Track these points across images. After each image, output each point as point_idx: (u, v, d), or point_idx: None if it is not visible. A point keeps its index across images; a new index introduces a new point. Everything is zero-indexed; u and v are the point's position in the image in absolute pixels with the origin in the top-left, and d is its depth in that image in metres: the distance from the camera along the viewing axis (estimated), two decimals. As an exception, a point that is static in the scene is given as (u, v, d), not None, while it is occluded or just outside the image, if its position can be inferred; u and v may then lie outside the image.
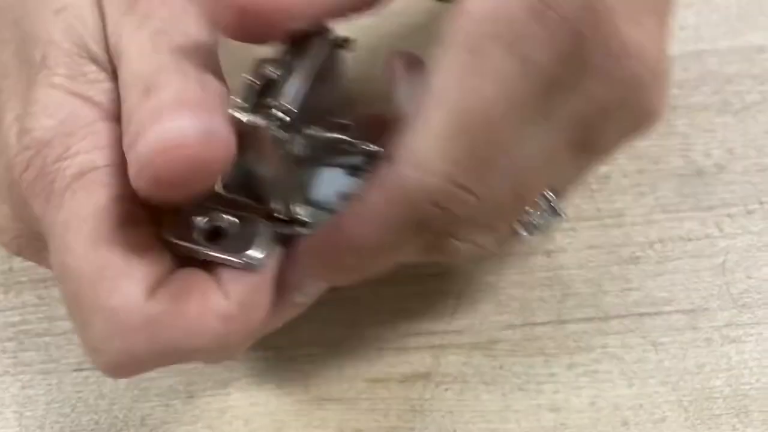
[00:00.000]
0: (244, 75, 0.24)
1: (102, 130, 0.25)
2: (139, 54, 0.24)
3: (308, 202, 0.27)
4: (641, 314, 0.33)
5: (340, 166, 0.28)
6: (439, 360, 0.32)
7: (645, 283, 0.34)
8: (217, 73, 0.25)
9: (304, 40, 0.25)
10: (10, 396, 0.32)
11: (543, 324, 0.33)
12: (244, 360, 0.33)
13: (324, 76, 0.25)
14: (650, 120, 0.26)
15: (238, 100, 0.23)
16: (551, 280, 0.34)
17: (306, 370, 0.33)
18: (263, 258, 0.25)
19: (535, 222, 0.28)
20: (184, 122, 0.22)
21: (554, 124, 0.24)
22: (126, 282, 0.23)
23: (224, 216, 0.26)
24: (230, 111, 0.23)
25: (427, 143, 0.23)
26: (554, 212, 0.28)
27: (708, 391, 0.31)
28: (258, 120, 0.23)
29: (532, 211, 0.27)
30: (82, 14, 0.26)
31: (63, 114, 0.25)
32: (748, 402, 0.31)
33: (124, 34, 0.25)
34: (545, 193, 0.27)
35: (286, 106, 0.23)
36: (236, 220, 0.26)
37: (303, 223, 0.27)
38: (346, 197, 0.27)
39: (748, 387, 0.31)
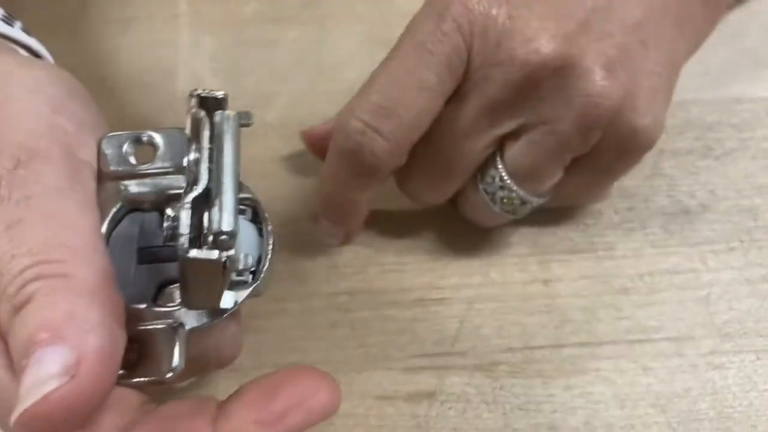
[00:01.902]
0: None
1: None
2: (5, 255, 0.24)
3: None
4: (632, 341, 0.35)
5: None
6: (443, 380, 0.34)
7: (635, 312, 0.36)
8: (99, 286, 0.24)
9: (209, 115, 0.24)
10: None
11: (541, 348, 0.35)
12: (253, 376, 0.34)
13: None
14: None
15: (184, 233, 0.22)
16: (549, 307, 0.36)
17: (317, 388, 0.34)
18: (178, 367, 0.25)
19: (493, 191, 0.34)
20: (50, 376, 0.22)
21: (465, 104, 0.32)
22: None
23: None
24: (180, 252, 0.22)
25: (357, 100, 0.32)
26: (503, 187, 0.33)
27: (695, 413, 0.34)
28: (210, 255, 0.22)
29: (489, 180, 0.33)
30: None
31: None
32: (732, 424, 0.33)
33: None
34: (498, 166, 0.33)
35: (228, 232, 0.23)
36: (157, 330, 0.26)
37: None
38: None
39: (731, 410, 0.34)
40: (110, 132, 0.28)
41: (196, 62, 0.43)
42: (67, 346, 0.22)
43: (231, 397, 0.24)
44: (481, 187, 0.34)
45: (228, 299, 0.27)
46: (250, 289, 0.27)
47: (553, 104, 0.31)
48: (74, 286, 0.23)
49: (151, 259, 0.27)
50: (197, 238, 0.23)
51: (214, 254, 0.22)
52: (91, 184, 0.27)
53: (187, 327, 0.26)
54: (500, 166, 0.33)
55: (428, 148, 0.33)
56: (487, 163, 0.34)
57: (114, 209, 0.27)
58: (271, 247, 0.28)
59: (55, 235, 0.24)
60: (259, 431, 0.23)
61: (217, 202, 0.23)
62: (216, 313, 0.27)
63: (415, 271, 0.37)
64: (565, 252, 0.37)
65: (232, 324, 0.28)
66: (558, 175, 0.33)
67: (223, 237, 0.23)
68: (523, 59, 0.30)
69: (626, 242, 0.38)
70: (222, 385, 0.34)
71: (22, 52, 0.31)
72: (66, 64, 0.30)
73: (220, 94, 0.24)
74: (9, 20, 0.31)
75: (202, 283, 0.25)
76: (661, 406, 0.34)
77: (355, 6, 0.45)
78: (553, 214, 0.38)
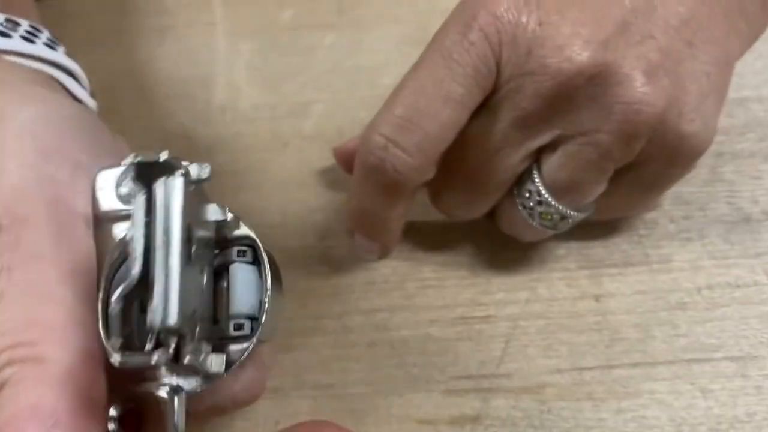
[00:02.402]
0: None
1: None
2: None
3: (235, 316, 0.25)
4: (689, 360, 0.33)
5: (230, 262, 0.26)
6: (488, 403, 0.33)
7: (693, 329, 0.34)
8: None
9: (147, 184, 0.22)
10: None
11: (591, 369, 0.33)
12: (294, 398, 0.33)
13: (191, 209, 0.23)
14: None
15: (111, 335, 0.22)
16: (599, 325, 0.34)
17: (355, 410, 0.33)
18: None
19: (531, 206, 0.32)
20: None
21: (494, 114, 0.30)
22: None
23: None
24: (116, 360, 0.21)
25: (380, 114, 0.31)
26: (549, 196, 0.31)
27: (759, 439, 0.31)
28: (142, 359, 0.21)
29: (526, 195, 0.32)
30: None
31: None
32: (800, 452, 0.31)
33: None
34: (535, 180, 0.31)
35: (171, 328, 0.21)
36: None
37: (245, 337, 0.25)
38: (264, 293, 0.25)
39: (799, 436, 0.31)
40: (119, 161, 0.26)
41: (232, 71, 0.42)
42: None
43: None
44: (518, 201, 0.32)
45: (220, 361, 0.25)
46: (249, 344, 0.25)
47: (591, 114, 0.29)
48: (45, 373, 0.22)
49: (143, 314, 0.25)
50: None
51: (150, 358, 0.21)
52: (84, 240, 0.25)
53: (186, 390, 0.24)
54: (537, 181, 0.31)
55: (460, 163, 0.31)
56: (524, 177, 0.32)
57: (114, 254, 0.25)
58: (269, 292, 0.25)
59: (32, 312, 0.23)
60: None
61: (156, 290, 0.21)
62: (210, 377, 0.25)
63: (456, 287, 0.35)
64: (617, 265, 0.35)
65: (248, 370, 0.26)
66: (600, 187, 0.31)
67: (166, 333, 0.21)
68: (555, 68, 0.28)
69: (683, 254, 0.35)
70: (262, 406, 0.33)
71: (60, 75, 0.30)
72: (104, 76, 0.29)
73: (159, 157, 0.22)
74: (53, 44, 0.31)
75: (165, 368, 0.24)
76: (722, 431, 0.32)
77: (391, 7, 0.43)
78: (603, 224, 0.36)
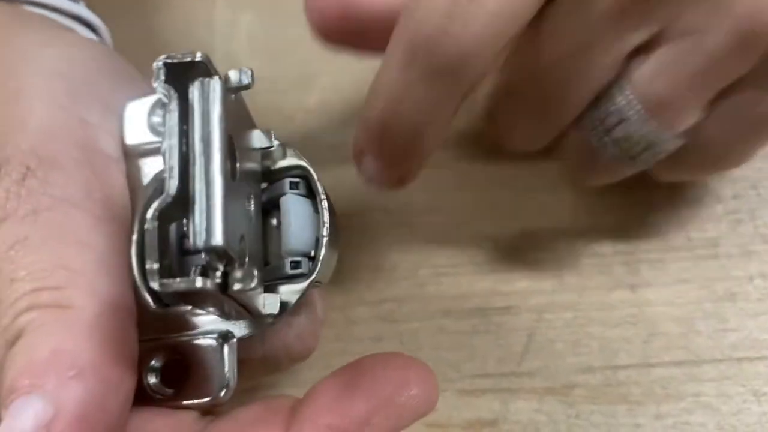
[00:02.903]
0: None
1: None
2: (5, 280, 0.21)
3: (290, 253, 0.23)
4: (740, 359, 0.29)
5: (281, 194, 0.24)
6: (507, 405, 0.29)
7: (744, 323, 0.30)
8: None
9: (182, 88, 0.20)
10: None
11: (626, 367, 0.29)
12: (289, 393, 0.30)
13: (232, 124, 0.21)
14: None
15: (150, 258, 0.19)
16: (636, 318, 0.30)
17: (359, 413, 0.30)
18: (231, 385, 0.22)
19: (607, 128, 0.26)
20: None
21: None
22: None
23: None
24: (155, 285, 0.19)
25: None
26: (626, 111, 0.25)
27: (822, 450, 0.27)
28: (194, 284, 0.19)
29: (602, 114, 0.26)
30: None
31: None
32: None
33: None
34: (615, 95, 0.25)
35: (217, 248, 0.19)
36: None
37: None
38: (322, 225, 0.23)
39: None
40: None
41: (232, 42, 0.39)
42: (44, 397, 0.19)
43: (305, 397, 0.21)
44: (591, 123, 0.27)
45: (274, 301, 0.22)
46: (306, 283, 0.22)
47: (704, 8, 0.23)
48: (68, 319, 0.20)
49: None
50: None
51: (194, 282, 0.18)
52: (117, 185, 0.23)
53: (237, 336, 0.22)
54: (627, 91, 0.25)
55: (531, 69, 0.26)
56: (601, 97, 0.26)
57: (148, 191, 0.23)
58: (327, 226, 0.23)
59: (58, 257, 0.21)
60: None
61: (198, 207, 0.19)
62: (264, 320, 0.22)
63: (473, 275, 0.32)
64: (655, 250, 0.31)
65: (301, 318, 0.24)
66: (698, 110, 0.26)
67: (210, 255, 0.19)
68: None
69: (732, 237, 0.31)
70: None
71: (80, 27, 0.28)
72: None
73: (193, 57, 0.19)
74: None
75: (212, 303, 0.21)
76: (779, 440, 0.28)
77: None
78: (640, 204, 0.32)
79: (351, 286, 0.32)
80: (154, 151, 0.24)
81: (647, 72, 0.25)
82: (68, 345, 0.20)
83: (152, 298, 0.22)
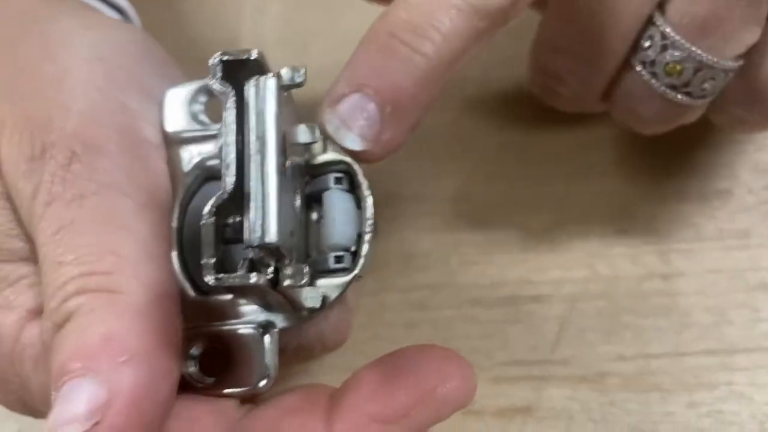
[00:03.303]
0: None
1: (28, 341, 0.22)
2: (52, 263, 0.21)
3: (333, 248, 0.23)
4: (772, 348, 0.29)
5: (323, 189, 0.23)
6: (540, 393, 0.29)
7: (776, 313, 0.30)
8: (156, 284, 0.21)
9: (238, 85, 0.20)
10: None
11: (659, 356, 0.29)
12: (324, 382, 0.30)
13: (285, 118, 0.21)
14: None
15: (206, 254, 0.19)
16: (668, 308, 0.30)
17: (391, 399, 0.30)
18: (272, 375, 0.22)
19: (654, 58, 0.25)
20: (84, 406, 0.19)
21: None
22: None
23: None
24: (210, 280, 0.19)
25: None
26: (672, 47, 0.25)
27: None
28: (249, 280, 0.19)
29: (647, 44, 0.25)
30: None
31: None
32: None
33: (38, 230, 0.22)
34: (656, 21, 0.25)
35: (271, 245, 0.19)
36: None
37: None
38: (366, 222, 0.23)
39: None
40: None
41: (259, 31, 0.39)
42: (97, 381, 0.19)
43: (345, 386, 0.21)
44: (637, 60, 0.26)
45: (316, 295, 0.22)
46: (349, 278, 0.22)
47: None
48: (118, 304, 0.20)
49: (235, 237, 0.22)
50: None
51: (248, 278, 0.18)
52: (160, 173, 0.23)
53: (278, 327, 0.22)
54: (660, 21, 0.25)
55: (573, 16, 0.26)
56: (643, 29, 0.26)
57: (188, 180, 0.23)
58: (371, 222, 0.22)
59: (105, 242, 0.21)
60: (381, 431, 0.20)
61: (253, 204, 0.19)
62: (302, 312, 0.22)
63: (505, 263, 0.32)
64: (686, 240, 0.31)
65: (335, 309, 0.24)
66: (749, 32, 0.25)
67: (264, 251, 0.19)
68: None
69: (763, 228, 0.31)
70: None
71: (107, 10, 0.28)
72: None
73: (249, 54, 0.20)
74: None
75: (256, 296, 0.21)
76: (812, 430, 0.28)
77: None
78: (671, 194, 0.32)
79: (382, 273, 0.32)
80: (194, 139, 0.24)
81: None
82: (119, 330, 0.20)
83: (191, 286, 0.23)
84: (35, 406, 0.23)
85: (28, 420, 0.30)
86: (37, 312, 0.22)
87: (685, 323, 0.30)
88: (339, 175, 0.23)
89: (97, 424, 0.18)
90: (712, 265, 0.31)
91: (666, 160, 0.32)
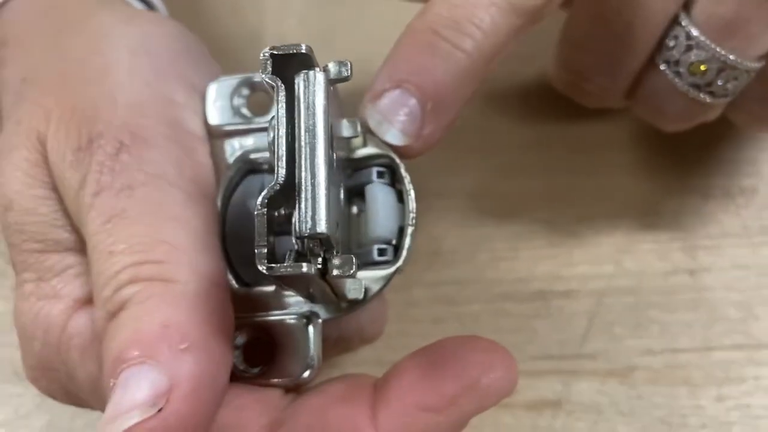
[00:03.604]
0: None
1: (74, 330, 0.23)
2: (103, 252, 0.21)
3: (376, 240, 0.23)
4: (799, 343, 0.30)
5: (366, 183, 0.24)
6: (570, 387, 0.30)
7: (802, 308, 0.30)
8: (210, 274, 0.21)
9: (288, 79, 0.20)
10: None
11: (687, 351, 0.30)
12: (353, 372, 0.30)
13: (332, 111, 0.21)
14: None
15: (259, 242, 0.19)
16: (696, 303, 0.30)
17: (422, 392, 0.30)
18: (315, 365, 0.23)
19: (678, 57, 0.26)
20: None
21: None
22: None
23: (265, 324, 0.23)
24: (263, 268, 0.19)
25: None
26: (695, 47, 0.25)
27: None
28: (300, 269, 0.19)
29: (671, 44, 0.26)
30: (29, 206, 0.23)
31: (39, 331, 0.23)
32: None
33: (86, 220, 0.22)
34: (681, 21, 0.25)
35: (321, 235, 0.19)
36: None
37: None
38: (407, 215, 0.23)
39: None
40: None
41: (282, 24, 0.39)
42: (157, 368, 0.19)
43: (389, 377, 0.21)
44: (662, 58, 0.26)
45: (359, 287, 0.22)
46: (392, 270, 0.23)
47: None
48: (174, 293, 0.20)
49: (276, 229, 0.22)
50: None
51: (299, 268, 0.19)
52: (205, 165, 0.23)
53: (321, 318, 0.23)
54: (685, 21, 0.25)
55: (599, 14, 0.26)
56: (668, 28, 0.26)
57: (230, 173, 0.24)
58: (413, 215, 0.23)
59: (157, 232, 0.21)
60: (426, 419, 0.20)
61: (303, 195, 0.19)
62: (353, 303, 0.23)
63: (533, 259, 0.32)
64: (712, 236, 0.32)
65: (373, 302, 0.24)
66: None
67: (314, 242, 0.19)
68: None
69: (787, 226, 0.32)
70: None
71: (136, 3, 0.28)
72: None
73: (298, 48, 0.20)
74: None
75: (300, 287, 0.21)
76: (839, 423, 0.28)
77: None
78: (696, 191, 0.32)
79: (409, 268, 0.32)
80: (236, 133, 0.24)
81: None
82: (177, 318, 0.20)
83: (234, 277, 0.23)
84: (80, 396, 0.23)
85: (59, 411, 0.31)
86: (84, 301, 0.23)
87: (712, 318, 0.30)
88: (381, 169, 0.23)
89: (159, 411, 0.18)
90: (739, 261, 0.31)
91: (690, 157, 0.33)
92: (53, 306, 0.23)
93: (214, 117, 0.24)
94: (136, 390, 0.19)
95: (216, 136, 0.24)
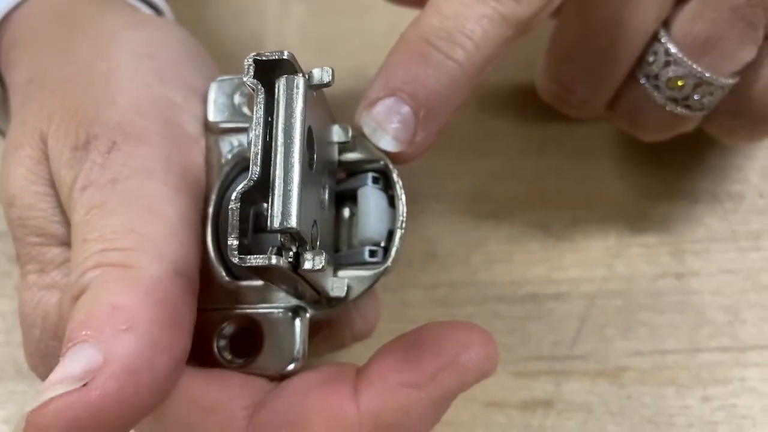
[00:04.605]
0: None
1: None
2: (78, 240, 0.22)
3: (366, 242, 0.24)
4: (783, 346, 0.30)
5: (356, 187, 0.25)
6: (561, 387, 0.30)
7: (786, 312, 0.31)
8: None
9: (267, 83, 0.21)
10: None
11: (674, 352, 0.30)
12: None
13: (314, 116, 0.22)
14: None
15: (232, 234, 0.20)
16: (683, 306, 0.31)
17: (416, 391, 0.30)
18: (301, 358, 0.23)
19: (657, 72, 0.27)
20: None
21: None
22: None
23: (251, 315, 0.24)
24: (234, 260, 0.20)
25: None
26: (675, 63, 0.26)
27: None
28: (269, 260, 0.20)
29: (651, 59, 0.27)
30: (30, 201, 0.24)
31: (39, 319, 0.23)
32: None
33: (72, 213, 0.23)
34: (660, 38, 0.26)
35: (291, 229, 0.20)
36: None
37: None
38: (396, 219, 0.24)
39: None
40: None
41: (284, 32, 0.40)
42: (96, 346, 0.19)
43: (371, 360, 0.22)
44: (641, 72, 0.27)
45: (343, 285, 0.23)
46: (381, 269, 0.23)
47: None
48: (130, 278, 0.21)
49: (264, 225, 0.23)
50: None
51: (269, 259, 0.19)
52: (196, 164, 0.24)
53: (309, 313, 0.23)
54: (664, 38, 0.26)
55: (585, 28, 0.27)
56: (648, 44, 0.27)
57: (227, 168, 0.24)
58: (403, 219, 0.24)
59: (129, 222, 0.22)
60: (408, 396, 0.21)
61: (276, 191, 0.20)
62: (336, 301, 0.23)
63: (526, 262, 0.33)
64: (700, 241, 0.32)
65: (364, 299, 0.25)
66: (746, 51, 0.26)
67: (285, 236, 0.20)
68: None
69: (774, 231, 0.32)
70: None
71: (144, 8, 0.29)
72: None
73: (280, 55, 0.21)
74: None
75: (286, 282, 0.22)
76: (821, 424, 0.29)
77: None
78: (684, 196, 0.33)
79: (404, 270, 0.33)
80: (235, 130, 0.25)
81: (687, 14, 0.26)
82: (126, 301, 0.20)
83: (225, 270, 0.24)
84: None
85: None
86: None
87: (699, 321, 0.31)
88: (377, 174, 0.24)
89: (85, 385, 0.19)
90: (726, 265, 0.32)
91: (679, 164, 0.33)
92: (53, 295, 0.23)
93: (215, 114, 0.25)
94: (71, 364, 0.19)
95: (215, 132, 0.25)
